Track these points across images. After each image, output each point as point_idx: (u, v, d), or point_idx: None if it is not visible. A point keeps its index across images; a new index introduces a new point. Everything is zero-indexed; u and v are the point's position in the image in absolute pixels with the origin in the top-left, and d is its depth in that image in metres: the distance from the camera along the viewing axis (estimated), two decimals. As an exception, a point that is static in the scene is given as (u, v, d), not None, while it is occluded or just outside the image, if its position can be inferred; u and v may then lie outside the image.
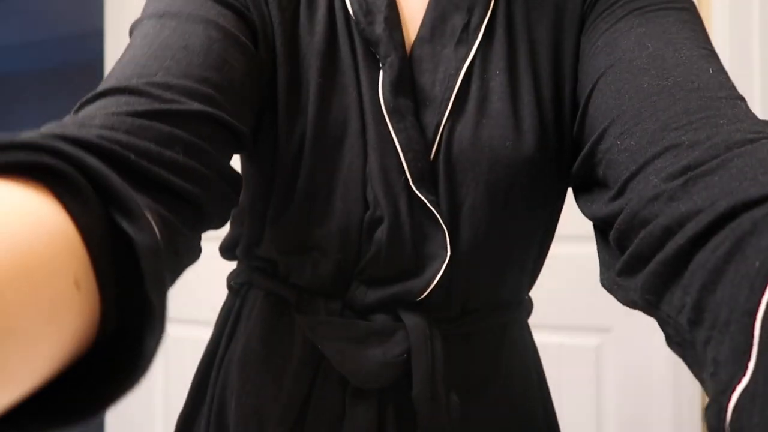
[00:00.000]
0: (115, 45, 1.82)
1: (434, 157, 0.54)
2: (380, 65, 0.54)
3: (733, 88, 0.43)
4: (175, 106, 0.40)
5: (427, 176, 0.54)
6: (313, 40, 0.54)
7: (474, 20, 0.55)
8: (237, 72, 0.47)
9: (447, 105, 0.53)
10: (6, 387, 0.21)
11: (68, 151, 0.26)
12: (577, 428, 1.48)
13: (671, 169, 0.37)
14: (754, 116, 0.40)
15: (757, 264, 0.27)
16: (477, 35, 0.54)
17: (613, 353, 1.49)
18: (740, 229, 0.29)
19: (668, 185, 0.36)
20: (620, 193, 0.42)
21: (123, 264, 0.27)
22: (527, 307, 0.68)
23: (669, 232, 0.35)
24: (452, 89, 0.53)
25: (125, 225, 0.26)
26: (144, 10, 0.51)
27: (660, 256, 0.35)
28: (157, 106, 0.39)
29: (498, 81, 0.54)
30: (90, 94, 0.41)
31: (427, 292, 0.56)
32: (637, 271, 0.38)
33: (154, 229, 0.28)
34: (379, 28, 0.53)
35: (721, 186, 0.33)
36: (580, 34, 0.55)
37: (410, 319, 0.57)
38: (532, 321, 0.70)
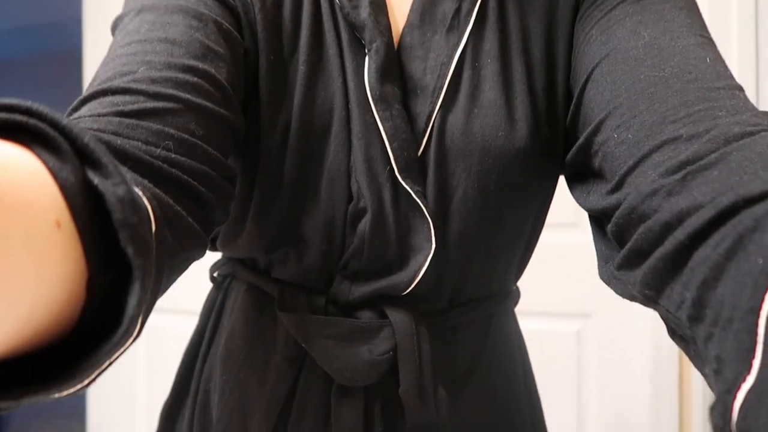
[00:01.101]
0: (94, 33, 1.79)
1: (425, 146, 0.52)
2: (366, 51, 0.52)
3: (731, 77, 0.42)
4: (161, 103, 0.39)
5: (414, 166, 0.52)
6: (297, 27, 0.53)
7: (465, 6, 0.53)
8: (223, 59, 0.46)
9: (440, 93, 0.52)
10: None
11: (49, 115, 0.26)
12: (559, 412, 1.50)
13: (669, 163, 0.37)
14: (753, 107, 0.39)
15: (761, 261, 0.26)
16: (468, 21, 0.53)
17: (593, 338, 1.51)
18: (742, 225, 0.29)
19: (667, 180, 0.36)
20: (618, 186, 0.41)
21: (102, 222, 0.26)
22: (515, 297, 0.68)
23: (668, 228, 0.34)
24: (445, 77, 0.52)
25: (96, 179, 0.25)
26: (124, 4, 0.50)
27: (659, 252, 0.34)
28: (143, 104, 0.39)
29: (490, 69, 0.52)
30: (75, 102, 0.40)
31: (412, 286, 0.55)
32: (636, 265, 0.38)
33: (129, 185, 0.26)
34: (364, 13, 0.51)
35: (721, 181, 0.32)
36: (573, 22, 0.54)
37: (396, 316, 0.56)
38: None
